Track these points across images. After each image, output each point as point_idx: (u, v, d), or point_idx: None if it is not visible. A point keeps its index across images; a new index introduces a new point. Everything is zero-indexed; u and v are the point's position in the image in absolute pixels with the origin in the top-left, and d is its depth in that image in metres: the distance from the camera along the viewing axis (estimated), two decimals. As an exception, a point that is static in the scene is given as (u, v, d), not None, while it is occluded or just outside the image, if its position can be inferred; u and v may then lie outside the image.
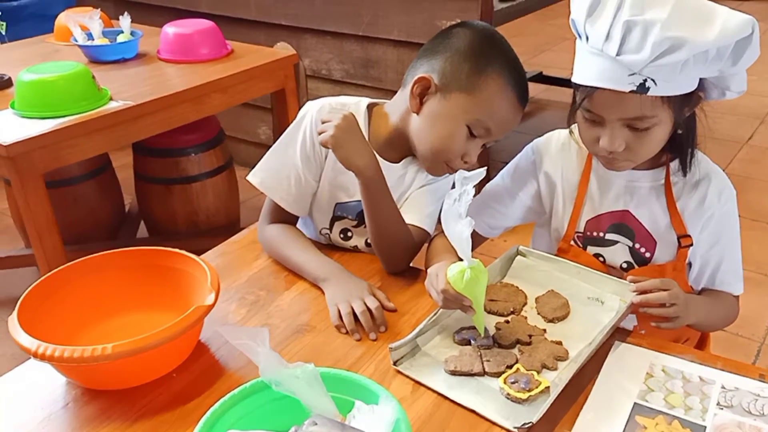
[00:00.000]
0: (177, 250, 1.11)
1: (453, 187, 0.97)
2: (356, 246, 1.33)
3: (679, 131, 1.10)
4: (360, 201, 1.22)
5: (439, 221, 1.17)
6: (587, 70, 1.03)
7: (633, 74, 0.98)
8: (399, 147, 1.27)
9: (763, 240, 2.67)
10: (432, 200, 1.29)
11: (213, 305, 0.99)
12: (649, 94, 0.99)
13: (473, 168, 1.00)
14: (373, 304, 1.11)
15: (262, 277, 1.26)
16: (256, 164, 1.32)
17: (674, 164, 1.16)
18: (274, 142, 1.33)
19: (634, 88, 0.99)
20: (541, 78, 4.23)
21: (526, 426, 0.89)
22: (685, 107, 1.07)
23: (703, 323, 1.21)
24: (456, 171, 1.20)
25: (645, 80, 0.98)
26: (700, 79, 1.04)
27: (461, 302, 1.02)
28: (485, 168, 0.98)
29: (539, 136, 1.28)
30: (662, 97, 1.01)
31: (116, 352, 0.90)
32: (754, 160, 3.42)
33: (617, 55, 0.98)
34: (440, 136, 1.18)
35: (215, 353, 1.06)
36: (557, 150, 1.24)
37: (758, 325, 2.31)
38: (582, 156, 1.22)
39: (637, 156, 1.09)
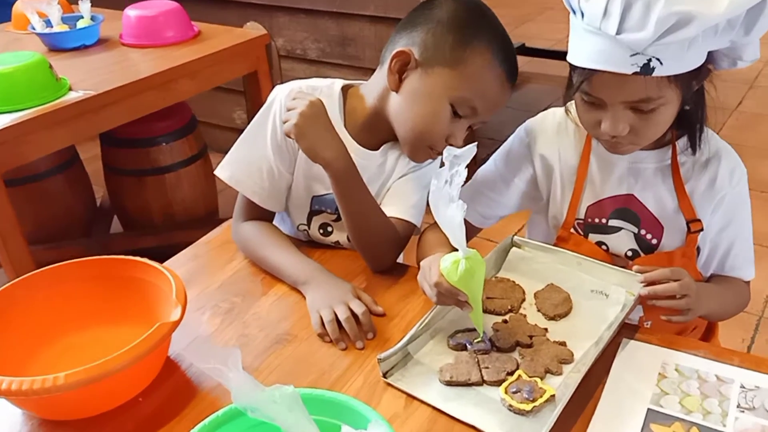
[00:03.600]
0: (138, 258, 1.00)
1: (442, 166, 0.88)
2: (338, 242, 1.23)
3: (687, 107, 1.01)
4: None
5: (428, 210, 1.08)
6: (584, 50, 0.93)
7: (635, 54, 0.88)
8: (378, 131, 1.17)
9: (758, 209, 2.59)
10: (416, 189, 1.19)
11: (179, 321, 0.89)
12: (654, 74, 0.89)
13: None
14: (358, 309, 1.01)
15: (237, 281, 1.15)
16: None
17: (681, 142, 1.07)
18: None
19: (638, 70, 0.89)
20: (524, 50, 4.11)
21: (533, 443, 0.80)
22: (694, 82, 0.97)
23: (714, 313, 1.13)
24: (439, 155, 1.11)
25: (649, 60, 0.88)
26: (709, 51, 0.94)
27: (456, 297, 0.93)
28: (476, 144, 0.88)
29: (524, 111, 1.18)
30: (668, 76, 0.91)
31: (70, 382, 0.80)
32: (746, 127, 3.34)
33: (617, 33, 0.88)
34: (422, 116, 1.08)
35: (186, 371, 0.96)
36: (553, 130, 1.14)
37: (757, 299, 2.25)
38: (581, 136, 1.12)
39: (642, 139, 1.00)
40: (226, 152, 1.21)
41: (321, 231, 1.24)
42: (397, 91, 1.10)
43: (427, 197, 1.16)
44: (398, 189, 1.19)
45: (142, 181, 2.37)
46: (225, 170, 1.20)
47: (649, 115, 0.96)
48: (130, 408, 0.90)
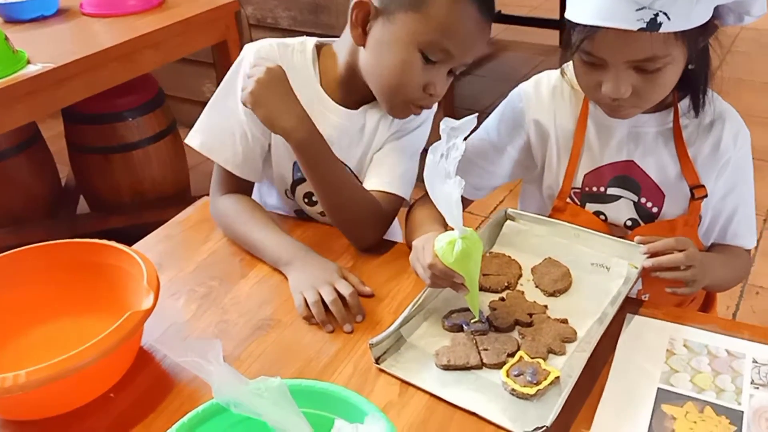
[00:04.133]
0: (105, 241, 0.92)
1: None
2: (323, 212, 1.15)
3: (691, 66, 0.94)
4: None
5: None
6: (585, 6, 0.86)
7: (641, 9, 0.82)
8: (355, 90, 1.09)
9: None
10: (402, 158, 1.11)
11: (151, 309, 0.81)
12: (661, 31, 0.83)
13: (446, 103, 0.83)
14: (345, 290, 0.94)
15: (214, 263, 1.08)
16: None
17: (683, 104, 1.01)
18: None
19: (644, 26, 0.82)
20: (500, 17, 4.02)
21: (540, 431, 0.75)
22: (700, 39, 0.91)
23: (716, 283, 1.08)
24: (422, 108, 1.04)
25: (656, 15, 0.82)
26: (717, 5, 0.88)
27: (451, 279, 0.86)
28: (475, 115, 0.81)
29: (501, 80, 1.11)
30: (675, 32, 0.84)
31: (33, 380, 0.73)
32: (726, 94, 3.31)
33: None
34: (391, 68, 1.00)
35: (161, 362, 0.89)
36: (548, 95, 1.07)
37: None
38: (577, 100, 1.05)
39: (645, 101, 0.94)
40: None
41: (306, 200, 1.16)
42: (363, 46, 1.02)
43: (417, 168, 1.10)
44: (382, 159, 1.11)
45: (108, 159, 2.27)
46: (195, 138, 1.12)
47: (653, 75, 0.90)
48: (101, 405, 0.83)
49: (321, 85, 1.09)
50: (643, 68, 0.89)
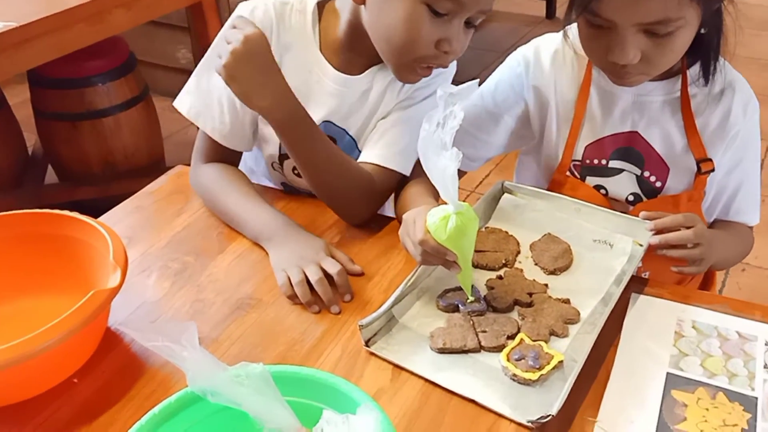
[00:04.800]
0: (67, 212, 0.84)
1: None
2: None
3: (703, 30, 0.88)
4: None
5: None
6: None
7: None
8: (359, 52, 0.99)
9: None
10: (405, 130, 1.02)
11: (118, 288, 0.74)
12: None
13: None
14: (332, 268, 0.87)
15: (189, 237, 1.00)
16: (177, 92, 1.04)
17: (692, 72, 0.95)
18: (195, 67, 1.05)
19: None
20: (484, -14, 3.93)
21: (545, 420, 0.69)
22: (714, 0, 0.84)
23: (719, 262, 1.03)
24: (433, 68, 0.94)
25: None
26: None
27: (443, 256, 0.80)
28: (476, 81, 0.74)
29: (486, 50, 1.03)
30: None
31: (-15, 365, 0.65)
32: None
33: None
34: (394, 25, 0.89)
35: (130, 345, 0.81)
36: (548, 60, 1.00)
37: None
38: (580, 65, 0.99)
39: (654, 68, 0.87)
40: (171, 95, 1.04)
41: (295, 172, 1.08)
42: (363, 4, 0.93)
43: None
44: (384, 130, 1.02)
45: (76, 127, 2.16)
46: (184, 102, 1.03)
47: (664, 39, 0.83)
48: (63, 392, 0.75)
49: (320, 49, 1.00)
50: (653, 32, 0.83)
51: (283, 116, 0.91)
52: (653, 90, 0.96)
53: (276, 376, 0.63)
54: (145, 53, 2.66)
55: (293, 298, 0.87)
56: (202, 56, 1.04)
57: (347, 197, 0.99)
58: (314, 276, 0.86)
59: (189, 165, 1.10)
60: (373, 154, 1.00)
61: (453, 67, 1.01)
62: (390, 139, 1.01)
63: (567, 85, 1.00)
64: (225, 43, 0.89)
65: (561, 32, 0.99)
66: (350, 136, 1.04)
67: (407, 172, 1.02)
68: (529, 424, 0.70)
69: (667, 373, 0.77)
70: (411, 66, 0.93)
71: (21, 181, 2.33)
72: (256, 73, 0.88)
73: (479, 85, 0.99)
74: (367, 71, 1.01)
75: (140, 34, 2.49)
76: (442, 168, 0.74)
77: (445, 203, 0.79)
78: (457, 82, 0.94)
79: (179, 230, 1.01)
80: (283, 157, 1.07)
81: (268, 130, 1.03)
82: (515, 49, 1.04)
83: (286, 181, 1.10)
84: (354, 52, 1.00)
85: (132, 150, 2.26)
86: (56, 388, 0.75)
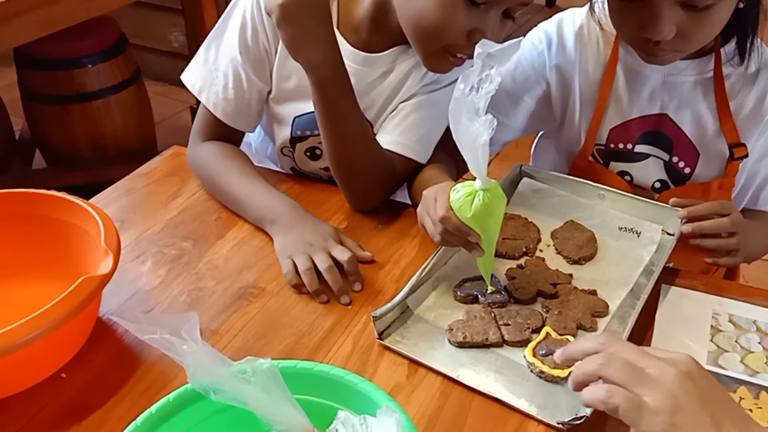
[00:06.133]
0: (55, 192, 0.77)
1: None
2: (327, 167, 1.01)
3: (741, 4, 0.82)
4: None
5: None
6: None
7: None
8: (383, 32, 0.92)
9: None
10: (426, 118, 0.94)
11: (110, 275, 0.67)
12: None
13: None
14: (342, 255, 0.81)
15: (186, 221, 0.93)
16: (169, 77, 0.97)
17: (727, 50, 0.89)
18: (189, 51, 0.98)
19: None
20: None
21: (578, 422, 0.63)
22: None
23: (750, 254, 0.98)
24: (464, 59, 0.86)
25: None
26: None
27: (466, 237, 0.74)
28: (520, 39, 0.68)
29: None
30: None
31: (-37, 358, 0.58)
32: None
33: None
34: (427, 8, 0.81)
35: (123, 337, 0.75)
36: (572, 37, 0.94)
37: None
38: (606, 43, 0.93)
39: (690, 44, 0.82)
40: (163, 79, 0.98)
41: (308, 154, 1.01)
42: None
43: (442, 128, 0.95)
44: (404, 114, 0.95)
45: (65, 109, 2.08)
46: (190, 75, 0.96)
47: (702, 13, 0.78)
48: (51, 387, 0.69)
49: (338, 26, 0.92)
50: (692, 4, 0.77)
51: (328, 73, 0.84)
52: (684, 69, 0.90)
53: (285, 373, 0.57)
54: (137, 36, 2.57)
55: (299, 287, 0.81)
56: (196, 40, 0.97)
57: (365, 179, 0.92)
58: (323, 264, 0.79)
59: (184, 146, 1.03)
60: (392, 140, 0.93)
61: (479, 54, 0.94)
62: (410, 125, 0.94)
63: (592, 64, 0.94)
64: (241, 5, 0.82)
65: (586, 6, 0.93)
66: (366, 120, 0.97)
67: (425, 160, 0.95)
68: (560, 426, 0.64)
69: (706, 371, 0.72)
70: (440, 54, 0.85)
71: (7, 165, 2.26)
72: (313, 22, 0.81)
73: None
74: (389, 51, 0.94)
75: (132, 16, 2.41)
76: (474, 135, 0.67)
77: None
78: (454, 70, 0.88)
79: (175, 214, 0.94)
80: (295, 140, 1.00)
81: (283, 110, 0.96)
82: (515, 38, 0.97)
83: (296, 165, 1.04)
84: (377, 32, 0.92)
85: (122, 134, 2.19)
86: (42, 383, 0.69)
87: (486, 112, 0.83)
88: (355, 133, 0.89)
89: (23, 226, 0.77)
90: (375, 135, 0.95)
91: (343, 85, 0.86)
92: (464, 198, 0.72)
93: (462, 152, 0.70)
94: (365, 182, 0.92)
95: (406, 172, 0.95)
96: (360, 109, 0.89)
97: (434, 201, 0.75)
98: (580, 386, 0.53)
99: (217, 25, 0.96)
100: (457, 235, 0.74)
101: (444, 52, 0.85)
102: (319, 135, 0.93)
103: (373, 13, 0.91)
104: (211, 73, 0.95)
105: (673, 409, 0.47)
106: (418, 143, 0.94)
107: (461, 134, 0.68)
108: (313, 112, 0.90)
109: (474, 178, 0.73)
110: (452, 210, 0.73)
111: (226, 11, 0.95)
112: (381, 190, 0.94)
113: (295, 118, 0.97)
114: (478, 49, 0.65)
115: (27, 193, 0.78)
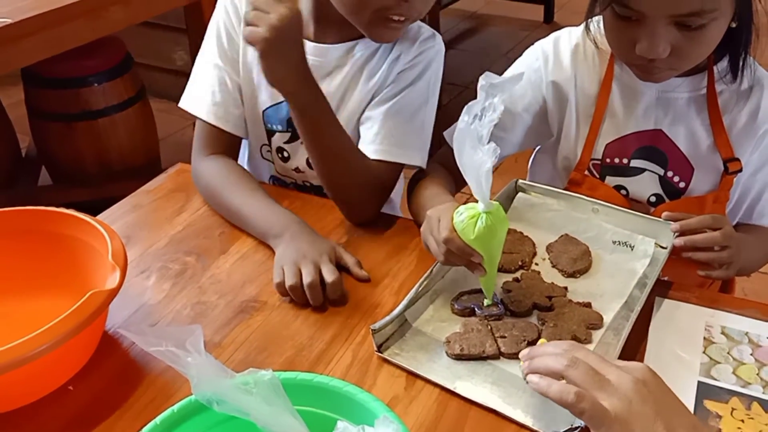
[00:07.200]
0: (64, 210, 0.79)
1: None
2: (298, 168, 1.04)
3: (734, 24, 0.84)
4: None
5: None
6: None
7: None
8: (330, 20, 0.96)
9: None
10: (402, 120, 0.98)
11: (117, 289, 0.69)
12: None
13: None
14: (329, 275, 0.82)
15: (190, 236, 0.95)
16: (173, 94, 1.02)
17: (719, 68, 0.91)
18: (192, 69, 1.03)
19: None
20: (481, -9, 3.91)
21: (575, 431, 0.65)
22: None
23: (744, 267, 0.99)
24: (401, 22, 0.89)
25: None
26: None
27: (468, 257, 0.76)
28: (522, 73, 0.72)
29: (482, 55, 0.99)
30: None
31: (-27, 372, 0.60)
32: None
33: None
34: None
35: (129, 350, 0.77)
36: (569, 54, 0.96)
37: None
38: (601, 60, 0.95)
39: (684, 62, 0.84)
40: (168, 96, 1.03)
41: (279, 156, 1.05)
42: None
43: (429, 122, 0.99)
44: (380, 123, 0.98)
45: (71, 127, 2.11)
46: (185, 99, 1.03)
47: (696, 32, 0.80)
48: (58, 399, 0.71)
49: None
50: (685, 24, 0.79)
51: (308, 99, 0.88)
52: (678, 86, 0.92)
53: (286, 384, 0.59)
54: (141, 55, 2.61)
55: (285, 294, 0.83)
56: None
57: (357, 190, 0.95)
58: (308, 277, 0.81)
59: (188, 163, 1.06)
60: (374, 149, 0.97)
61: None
62: (387, 133, 0.97)
63: (588, 81, 0.96)
64: (228, 6, 0.90)
65: (582, 25, 0.96)
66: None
67: (408, 161, 0.98)
68: (555, 436, 0.66)
69: (699, 382, 0.73)
70: (376, 20, 0.89)
71: (14, 182, 2.29)
72: (290, 53, 0.85)
73: (469, 92, 0.95)
74: (341, 44, 0.99)
75: (137, 35, 2.45)
76: (478, 163, 0.70)
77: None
78: (455, 86, 0.91)
79: (180, 229, 0.97)
80: (269, 135, 1.04)
81: (250, 104, 1.02)
82: (512, 54, 1.00)
83: (275, 169, 1.08)
84: (325, 22, 0.97)
85: (128, 151, 2.22)
86: (50, 395, 0.71)
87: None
88: (339, 148, 0.92)
89: (34, 242, 0.80)
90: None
91: (321, 106, 0.90)
92: (467, 220, 0.75)
93: (465, 177, 0.72)
94: (357, 194, 0.95)
95: (395, 178, 0.99)
96: (341, 126, 0.93)
97: (438, 222, 0.77)
98: (534, 374, 0.60)
99: (201, 50, 1.03)
100: (460, 255, 0.76)
101: (379, 17, 0.88)
102: (283, 131, 0.99)
103: (315, 5, 0.96)
104: (200, 87, 1.01)
105: (629, 415, 0.52)
106: (400, 147, 0.97)
107: (465, 162, 0.71)
108: (276, 103, 0.97)
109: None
110: (456, 231, 0.75)
111: (211, 23, 1.02)
112: (374, 199, 0.97)
113: (263, 111, 1.02)
114: (481, 81, 0.68)
115: (38, 210, 0.80)
